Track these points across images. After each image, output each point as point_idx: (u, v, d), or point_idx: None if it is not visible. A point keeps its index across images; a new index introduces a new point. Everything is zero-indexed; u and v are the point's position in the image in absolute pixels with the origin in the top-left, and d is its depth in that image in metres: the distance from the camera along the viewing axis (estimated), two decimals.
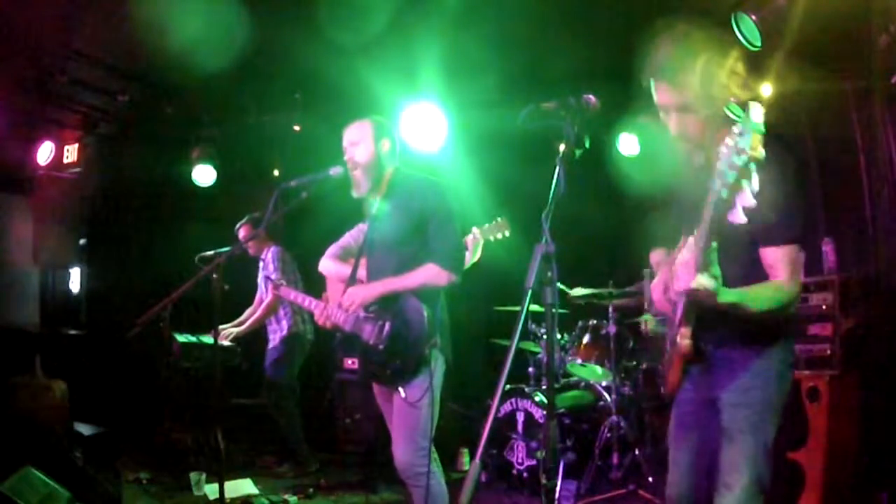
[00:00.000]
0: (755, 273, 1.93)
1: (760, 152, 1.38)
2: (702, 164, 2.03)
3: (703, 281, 1.72)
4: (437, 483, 2.71)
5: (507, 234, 3.78)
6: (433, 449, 2.87)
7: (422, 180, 2.87)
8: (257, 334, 5.13)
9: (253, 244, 5.04)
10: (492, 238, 3.69)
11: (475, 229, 3.64)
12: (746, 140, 1.38)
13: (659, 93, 2.01)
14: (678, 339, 2.00)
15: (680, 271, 1.83)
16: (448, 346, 2.85)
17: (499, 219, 3.69)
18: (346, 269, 3.38)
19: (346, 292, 2.88)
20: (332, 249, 3.91)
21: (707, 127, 1.96)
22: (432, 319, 2.73)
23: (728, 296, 1.77)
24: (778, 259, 1.89)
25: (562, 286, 4.85)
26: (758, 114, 1.39)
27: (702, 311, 1.99)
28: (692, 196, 2.03)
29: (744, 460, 1.95)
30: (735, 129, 1.43)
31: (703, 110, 1.94)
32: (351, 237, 4.09)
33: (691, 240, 1.80)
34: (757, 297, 1.85)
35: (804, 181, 4.11)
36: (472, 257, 3.57)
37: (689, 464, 2.14)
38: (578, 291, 4.84)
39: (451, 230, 2.79)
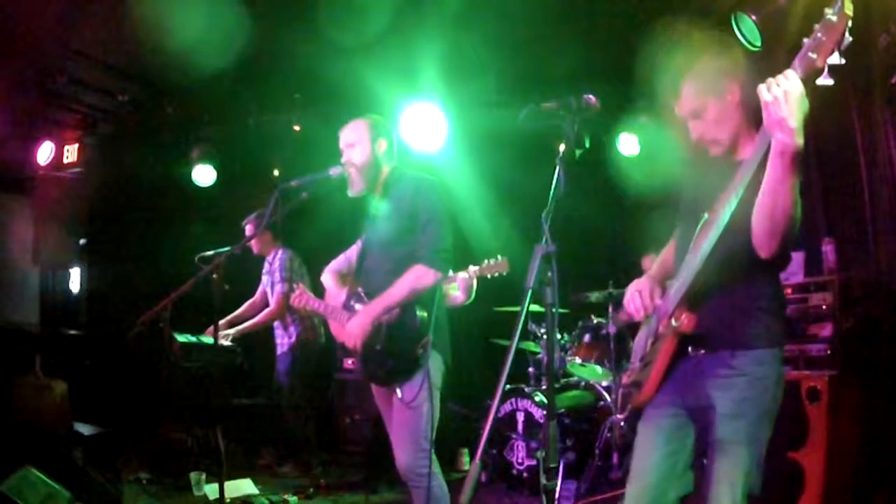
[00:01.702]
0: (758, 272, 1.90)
1: (850, 9, 1.49)
2: (719, 155, 2.01)
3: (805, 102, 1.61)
4: (439, 485, 2.69)
5: (505, 272, 3.70)
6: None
7: (415, 179, 2.85)
8: (259, 336, 5.12)
9: (257, 242, 5.04)
10: (489, 275, 3.64)
11: (471, 267, 3.56)
12: (838, 6, 1.50)
13: (686, 96, 2.00)
14: (682, 318, 1.92)
15: (786, 76, 1.63)
16: (447, 347, 2.83)
17: (499, 257, 3.61)
18: (342, 296, 3.37)
19: (345, 332, 2.83)
20: (336, 264, 3.87)
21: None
22: (425, 320, 2.71)
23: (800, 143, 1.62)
24: None
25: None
26: None
27: (699, 300, 1.94)
28: (705, 186, 2.00)
29: (737, 473, 1.88)
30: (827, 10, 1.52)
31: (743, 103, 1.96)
32: (356, 249, 4.08)
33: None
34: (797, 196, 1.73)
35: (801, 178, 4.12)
36: (466, 297, 3.54)
37: (660, 474, 2.02)
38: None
39: (437, 228, 2.74)
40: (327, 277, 3.68)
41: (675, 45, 2.02)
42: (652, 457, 2.04)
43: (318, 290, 3.47)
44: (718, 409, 1.91)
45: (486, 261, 3.57)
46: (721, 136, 1.98)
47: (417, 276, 2.68)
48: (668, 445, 2.03)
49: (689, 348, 1.99)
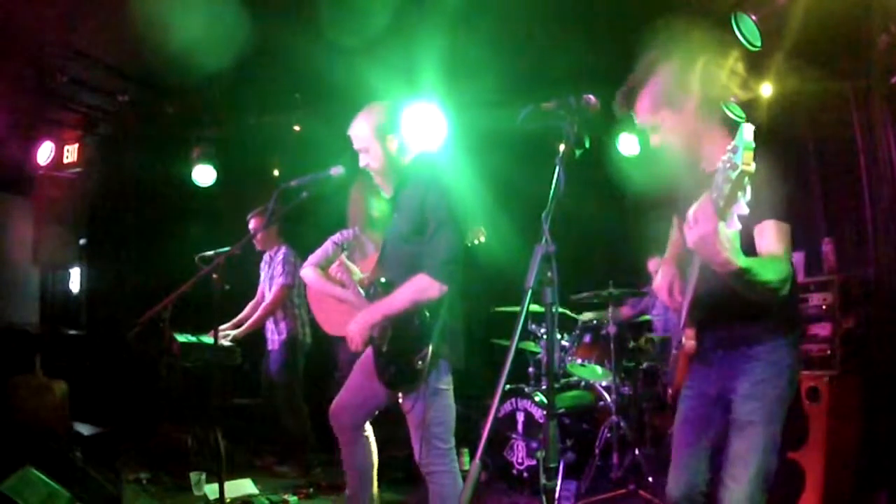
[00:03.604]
0: None
1: (752, 167, 1.45)
2: (706, 171, 2.06)
3: (726, 231, 1.60)
4: (452, 484, 2.68)
5: (482, 239, 3.90)
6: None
7: (425, 180, 2.74)
8: (259, 335, 5.13)
9: (262, 237, 5.05)
10: (468, 243, 3.75)
11: None
12: (739, 156, 1.45)
13: (641, 109, 2.06)
14: (683, 340, 2.02)
15: (698, 217, 1.63)
16: (460, 352, 2.77)
17: (475, 227, 3.87)
18: (332, 289, 3.39)
19: (347, 333, 2.79)
20: (315, 258, 3.94)
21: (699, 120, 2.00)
22: (427, 327, 2.62)
23: (742, 259, 1.65)
24: (773, 233, 1.87)
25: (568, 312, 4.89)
26: (749, 132, 1.45)
27: (704, 308, 2.00)
28: (689, 200, 2.05)
29: (753, 452, 1.96)
30: (729, 146, 1.49)
31: (701, 111, 1.98)
32: (332, 244, 4.12)
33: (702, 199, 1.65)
34: (764, 266, 1.75)
35: (798, 177, 4.15)
36: None
37: (694, 461, 2.14)
38: (586, 315, 4.87)
39: (448, 238, 2.63)
40: (308, 272, 3.74)
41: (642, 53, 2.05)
42: (683, 444, 2.19)
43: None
44: (738, 392, 2.01)
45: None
46: (679, 144, 2.05)
47: (421, 289, 2.60)
48: (695, 433, 2.16)
49: (710, 350, 2.08)
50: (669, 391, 2.28)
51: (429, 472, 2.68)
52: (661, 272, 2.29)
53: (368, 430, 3.02)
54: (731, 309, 1.97)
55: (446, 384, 2.71)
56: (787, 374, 2.01)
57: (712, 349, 2.09)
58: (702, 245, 1.62)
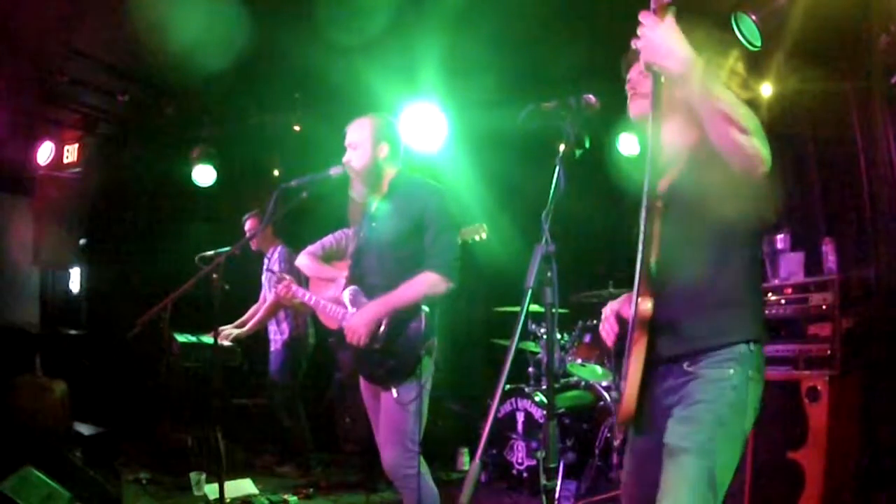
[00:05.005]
0: (718, 249, 1.77)
1: None
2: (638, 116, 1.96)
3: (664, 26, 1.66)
4: (426, 484, 2.69)
5: (483, 236, 3.92)
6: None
7: (423, 184, 2.86)
8: (257, 334, 5.13)
9: (257, 239, 5.05)
10: (469, 240, 3.77)
11: None
12: None
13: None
14: (639, 304, 1.76)
15: (643, 31, 1.70)
16: (437, 349, 2.83)
17: (477, 224, 3.87)
18: (326, 271, 3.40)
19: (347, 326, 2.78)
20: (312, 248, 3.97)
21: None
22: (430, 321, 2.73)
23: (691, 51, 1.64)
24: None
25: None
26: None
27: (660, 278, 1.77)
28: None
29: (683, 486, 1.67)
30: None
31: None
32: (333, 238, 4.14)
33: None
34: (734, 100, 1.65)
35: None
36: None
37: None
38: None
39: (451, 238, 2.78)
40: (303, 259, 3.75)
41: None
42: (634, 485, 1.93)
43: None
44: (673, 413, 1.75)
45: (464, 227, 3.73)
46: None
47: (433, 284, 2.70)
48: (648, 472, 1.81)
49: (655, 360, 1.80)
50: (618, 417, 1.89)
51: (404, 475, 2.67)
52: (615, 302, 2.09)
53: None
54: (683, 302, 1.77)
55: (430, 384, 2.77)
56: (728, 395, 1.69)
57: (659, 355, 1.80)
58: (651, 46, 1.68)
